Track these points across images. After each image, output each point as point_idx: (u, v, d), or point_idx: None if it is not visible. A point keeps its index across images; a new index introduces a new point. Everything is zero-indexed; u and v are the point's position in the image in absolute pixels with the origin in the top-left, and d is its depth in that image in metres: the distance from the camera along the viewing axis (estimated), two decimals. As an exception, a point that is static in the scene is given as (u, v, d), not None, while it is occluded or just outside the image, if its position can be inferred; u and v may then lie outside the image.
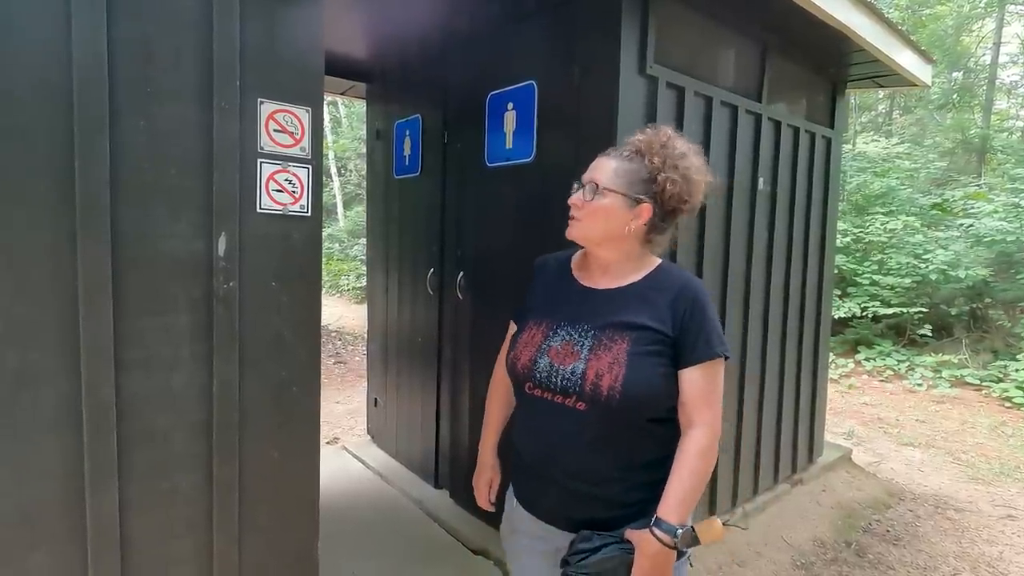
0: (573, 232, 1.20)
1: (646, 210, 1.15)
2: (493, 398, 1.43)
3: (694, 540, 1.09)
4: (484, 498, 1.43)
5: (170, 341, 1.32)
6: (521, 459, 1.27)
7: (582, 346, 1.15)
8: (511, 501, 1.33)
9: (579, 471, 1.16)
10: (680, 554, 1.11)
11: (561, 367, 1.14)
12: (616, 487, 1.16)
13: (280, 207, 1.44)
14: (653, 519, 1.09)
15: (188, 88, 1.30)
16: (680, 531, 1.07)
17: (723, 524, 1.13)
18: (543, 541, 1.23)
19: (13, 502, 1.17)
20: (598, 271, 1.23)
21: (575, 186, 1.21)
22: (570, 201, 1.20)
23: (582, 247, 1.27)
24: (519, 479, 1.30)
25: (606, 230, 1.17)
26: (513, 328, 1.36)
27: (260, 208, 1.41)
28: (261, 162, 1.40)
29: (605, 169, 1.17)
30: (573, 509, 1.18)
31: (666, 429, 1.16)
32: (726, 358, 1.15)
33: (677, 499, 1.09)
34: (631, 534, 1.11)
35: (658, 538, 1.07)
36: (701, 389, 1.12)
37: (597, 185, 1.16)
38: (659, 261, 1.24)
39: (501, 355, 1.39)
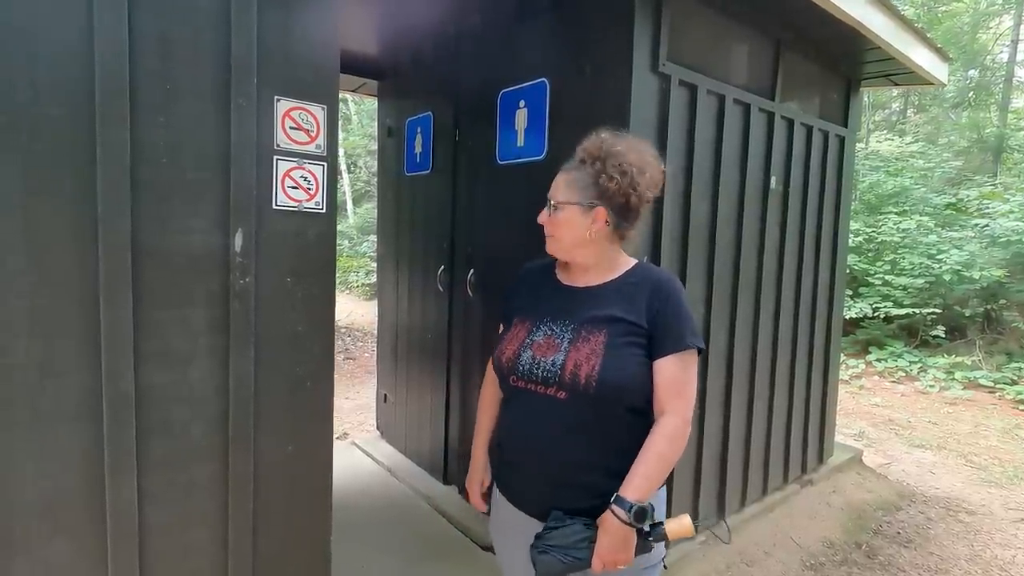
0: (550, 248, 1.30)
1: (600, 213, 1.23)
2: (484, 400, 1.46)
3: (659, 528, 1.13)
4: (477, 498, 1.45)
5: (187, 334, 1.34)
6: (503, 452, 1.32)
7: (563, 339, 1.22)
8: (496, 495, 1.37)
9: (559, 458, 1.21)
10: (646, 548, 1.14)
11: (543, 359, 1.21)
12: (594, 475, 1.19)
13: (296, 204, 1.45)
14: (613, 497, 1.14)
15: (206, 85, 1.32)
16: (635, 507, 1.11)
17: (696, 525, 1.17)
18: (524, 535, 1.24)
19: (36, 491, 1.20)
20: (578, 272, 1.31)
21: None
22: (539, 221, 1.29)
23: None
24: (502, 472, 1.35)
25: (572, 238, 1.25)
26: (502, 329, 1.41)
27: (276, 205, 1.42)
28: (277, 159, 1.41)
29: (559, 185, 1.27)
30: (554, 499, 1.21)
31: (646, 421, 1.21)
32: (700, 351, 1.22)
33: (637, 478, 1.14)
34: (600, 518, 1.16)
35: (615, 513, 1.12)
36: (673, 379, 1.18)
37: (553, 201, 1.26)
38: (635, 260, 1.32)
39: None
